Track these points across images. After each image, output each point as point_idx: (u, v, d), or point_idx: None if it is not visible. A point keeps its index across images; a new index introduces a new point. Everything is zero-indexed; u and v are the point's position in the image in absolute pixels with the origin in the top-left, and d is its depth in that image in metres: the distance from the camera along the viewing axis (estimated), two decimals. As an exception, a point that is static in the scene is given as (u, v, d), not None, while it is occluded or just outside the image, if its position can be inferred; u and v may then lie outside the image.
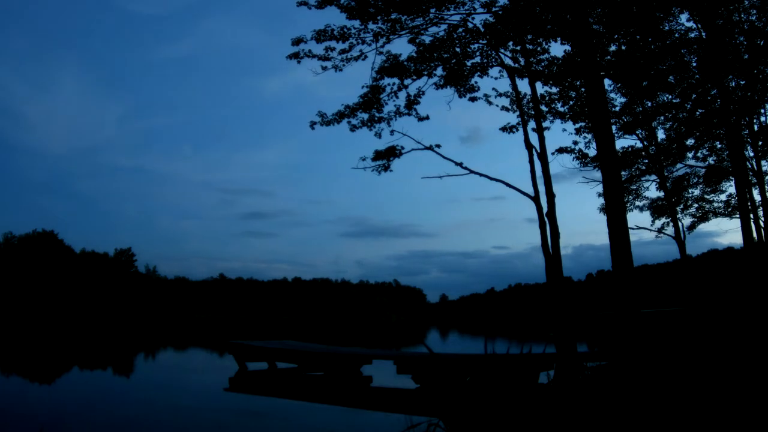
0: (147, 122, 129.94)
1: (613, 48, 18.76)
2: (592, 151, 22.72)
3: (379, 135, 17.85)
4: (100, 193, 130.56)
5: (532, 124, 17.96)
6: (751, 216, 21.25)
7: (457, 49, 17.66)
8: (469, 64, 17.97)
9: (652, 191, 30.95)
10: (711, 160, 25.27)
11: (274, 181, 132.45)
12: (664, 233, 26.77)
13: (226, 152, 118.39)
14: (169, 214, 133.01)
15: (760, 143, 22.56)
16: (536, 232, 17.13)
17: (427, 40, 17.31)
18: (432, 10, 16.54)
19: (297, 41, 16.29)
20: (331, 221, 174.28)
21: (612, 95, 22.88)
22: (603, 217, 25.02)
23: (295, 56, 16.45)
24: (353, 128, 17.82)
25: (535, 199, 17.03)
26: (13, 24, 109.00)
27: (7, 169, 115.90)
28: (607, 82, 20.49)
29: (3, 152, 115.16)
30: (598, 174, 23.61)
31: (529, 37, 17.33)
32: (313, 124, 17.56)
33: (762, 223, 22.75)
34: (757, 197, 22.72)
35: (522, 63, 17.74)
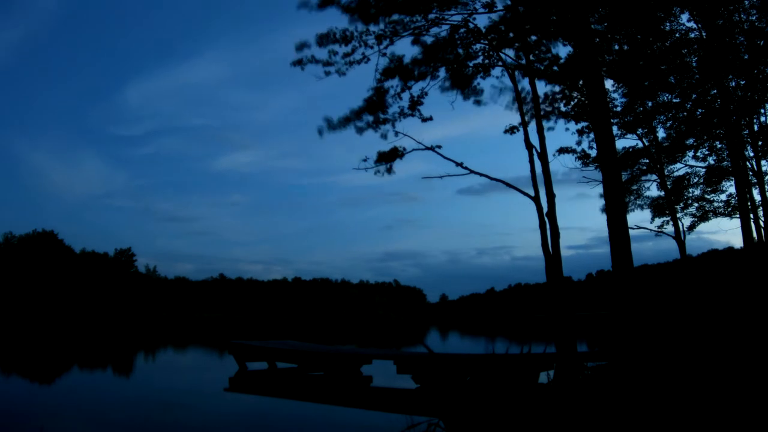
0: (145, 180, 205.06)
1: (614, 48, 18.77)
2: (594, 152, 22.74)
3: (384, 136, 17.83)
4: (105, 220, 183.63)
5: (533, 124, 17.95)
6: (751, 216, 21.23)
7: (459, 50, 17.66)
8: (471, 64, 17.97)
9: (653, 191, 30.98)
10: (711, 160, 25.27)
11: (234, 212, 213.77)
12: (664, 232, 26.76)
13: (200, 197, 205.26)
14: (162, 234, 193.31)
15: (760, 143, 22.53)
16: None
17: (429, 41, 17.31)
18: (434, 11, 16.55)
19: (300, 47, 16.31)
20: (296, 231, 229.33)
21: (613, 95, 22.90)
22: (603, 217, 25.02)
23: (299, 63, 16.45)
24: (359, 131, 17.78)
25: (535, 199, 17.01)
26: (48, 127, 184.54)
27: (28, 208, 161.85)
28: (608, 82, 20.53)
29: (27, 198, 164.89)
30: (599, 174, 23.59)
31: (531, 37, 17.32)
32: (320, 131, 17.57)
33: (762, 223, 22.73)
34: (757, 197, 22.70)
35: (523, 63, 17.72)
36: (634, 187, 26.83)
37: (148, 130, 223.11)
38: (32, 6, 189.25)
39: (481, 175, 17.90)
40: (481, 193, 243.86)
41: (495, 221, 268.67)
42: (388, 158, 17.79)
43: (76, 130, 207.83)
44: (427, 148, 17.80)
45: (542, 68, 17.65)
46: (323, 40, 16.23)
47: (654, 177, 26.07)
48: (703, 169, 25.62)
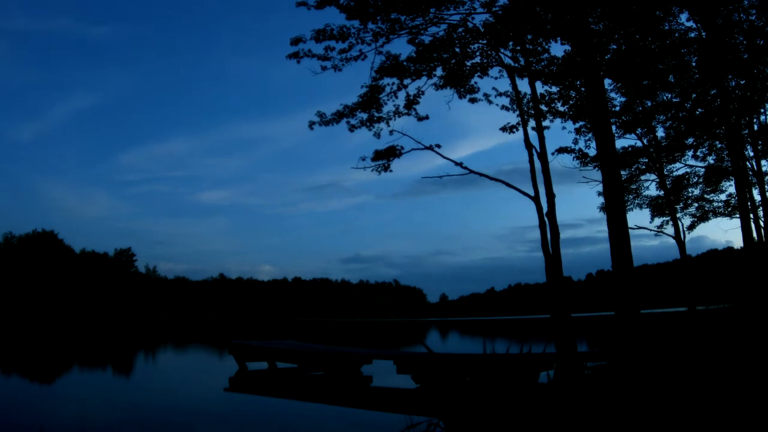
0: (142, 208, 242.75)
1: (613, 47, 18.76)
2: (592, 151, 22.73)
3: (378, 135, 17.85)
4: (107, 230, 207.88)
5: (532, 124, 17.94)
6: (751, 216, 21.23)
7: (457, 49, 17.64)
8: (469, 64, 17.96)
9: (652, 190, 31.08)
10: (711, 160, 25.29)
11: (219, 230, 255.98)
12: (664, 233, 26.78)
13: (189, 218, 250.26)
14: (160, 242, 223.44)
15: (760, 143, 22.55)
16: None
17: (427, 40, 17.30)
18: (432, 10, 16.54)
19: (296, 41, 16.26)
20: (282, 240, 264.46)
21: (612, 95, 22.89)
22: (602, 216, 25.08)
23: (295, 56, 16.43)
24: (352, 128, 17.81)
25: (535, 199, 17.00)
26: (65, 174, 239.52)
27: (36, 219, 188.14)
28: (607, 81, 20.51)
29: (37, 212, 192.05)
30: (598, 174, 23.60)
31: (529, 37, 17.31)
32: (312, 124, 17.56)
33: (762, 223, 22.74)
34: (757, 197, 22.71)
35: (522, 63, 17.70)
36: (633, 187, 26.84)
37: (140, 179, 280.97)
38: (55, 107, 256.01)
39: (480, 175, 17.92)
40: (416, 195, 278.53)
41: (450, 222, 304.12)
42: (384, 156, 17.82)
43: (87, 179, 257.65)
44: (426, 148, 17.81)
45: (541, 68, 17.64)
46: (320, 35, 16.20)
47: (653, 176, 26.12)
48: (703, 169, 25.66)
